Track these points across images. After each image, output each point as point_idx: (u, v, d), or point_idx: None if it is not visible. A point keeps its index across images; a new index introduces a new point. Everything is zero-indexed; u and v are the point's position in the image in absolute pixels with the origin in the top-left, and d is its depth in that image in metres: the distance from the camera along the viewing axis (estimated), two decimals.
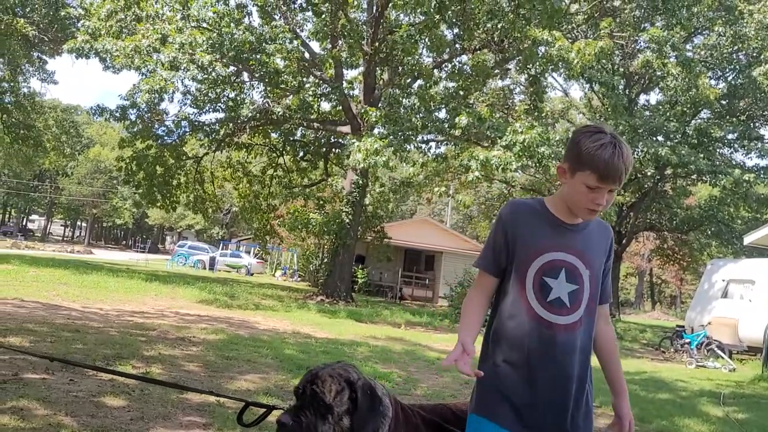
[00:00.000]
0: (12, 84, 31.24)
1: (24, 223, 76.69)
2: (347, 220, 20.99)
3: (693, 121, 26.99)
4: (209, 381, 6.37)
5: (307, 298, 21.24)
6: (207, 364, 7.31)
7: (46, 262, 22.00)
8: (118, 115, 21.48)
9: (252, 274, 37.50)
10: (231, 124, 22.50)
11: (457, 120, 16.40)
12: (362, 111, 19.36)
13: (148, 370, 6.48)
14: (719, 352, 15.06)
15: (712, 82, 26.23)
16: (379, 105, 20.18)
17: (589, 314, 2.10)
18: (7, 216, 78.12)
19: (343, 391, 2.08)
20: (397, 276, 31.68)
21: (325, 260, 24.75)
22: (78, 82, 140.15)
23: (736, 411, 8.52)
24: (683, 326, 18.54)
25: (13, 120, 31.69)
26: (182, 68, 17.96)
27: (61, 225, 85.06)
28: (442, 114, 19.77)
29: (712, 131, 25.95)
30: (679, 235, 34.71)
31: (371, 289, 30.62)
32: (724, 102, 26.67)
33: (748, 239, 14.94)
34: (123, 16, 18.80)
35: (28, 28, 26.25)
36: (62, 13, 26.63)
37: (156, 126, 23.01)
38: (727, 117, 27.19)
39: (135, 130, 22.36)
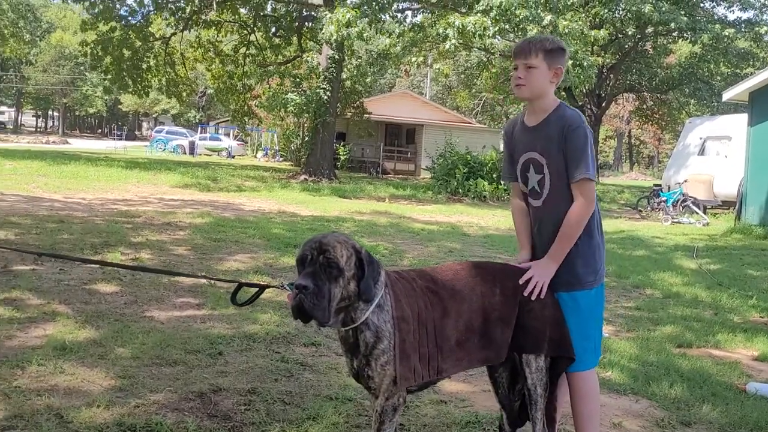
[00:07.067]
0: None
1: None
2: (325, 98, 20.59)
3: None
4: (199, 263, 6.49)
5: (290, 177, 21.26)
6: (195, 247, 7.42)
7: (21, 154, 21.61)
8: None
9: (233, 157, 37.23)
10: (196, 0, 21.45)
11: None
12: None
13: (138, 256, 6.57)
14: (694, 207, 15.48)
15: None
16: None
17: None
18: None
19: (351, 257, 2.17)
20: (379, 151, 31.63)
21: (306, 139, 24.53)
22: None
23: (709, 262, 8.90)
24: (660, 185, 18.91)
25: None
26: None
27: (33, 116, 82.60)
28: None
29: None
30: (658, 95, 34.60)
31: (354, 165, 30.67)
32: None
33: (726, 95, 14.85)
34: None
35: None
36: None
37: (117, 6, 21.94)
38: None
39: (96, 11, 21.35)
